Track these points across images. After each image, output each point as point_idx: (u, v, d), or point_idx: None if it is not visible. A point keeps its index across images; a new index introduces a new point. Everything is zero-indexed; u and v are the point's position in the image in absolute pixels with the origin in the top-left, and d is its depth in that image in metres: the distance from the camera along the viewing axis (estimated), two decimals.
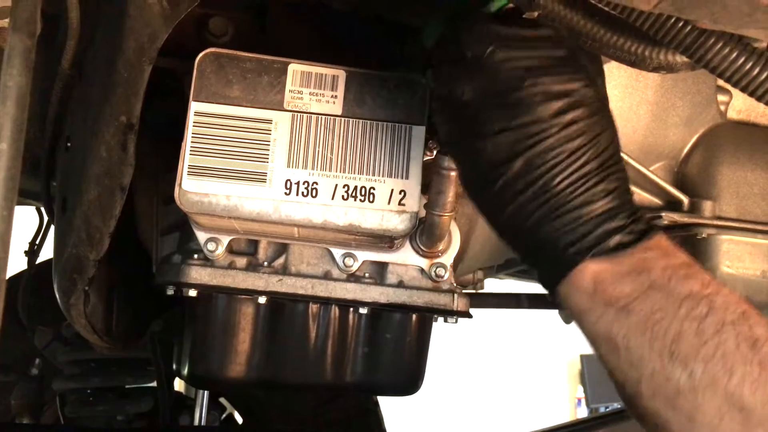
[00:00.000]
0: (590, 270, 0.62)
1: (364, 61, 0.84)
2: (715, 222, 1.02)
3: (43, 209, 1.50)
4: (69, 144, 0.89)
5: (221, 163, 0.79)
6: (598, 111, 0.63)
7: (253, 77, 0.80)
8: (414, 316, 0.91)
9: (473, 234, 1.01)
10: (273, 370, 0.89)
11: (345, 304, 0.89)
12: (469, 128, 0.65)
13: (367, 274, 0.89)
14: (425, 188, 0.83)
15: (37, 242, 1.48)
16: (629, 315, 0.60)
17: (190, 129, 0.79)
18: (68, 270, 0.85)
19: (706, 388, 0.56)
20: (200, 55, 0.80)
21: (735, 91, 1.08)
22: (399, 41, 0.89)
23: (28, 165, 0.99)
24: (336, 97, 0.81)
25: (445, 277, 0.90)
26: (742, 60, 0.54)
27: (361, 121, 0.81)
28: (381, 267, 0.90)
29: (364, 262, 0.89)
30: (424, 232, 0.87)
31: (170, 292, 0.87)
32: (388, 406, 1.95)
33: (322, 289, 0.88)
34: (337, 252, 0.88)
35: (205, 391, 1.71)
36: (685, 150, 1.07)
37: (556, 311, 2.01)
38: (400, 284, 0.89)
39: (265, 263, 0.88)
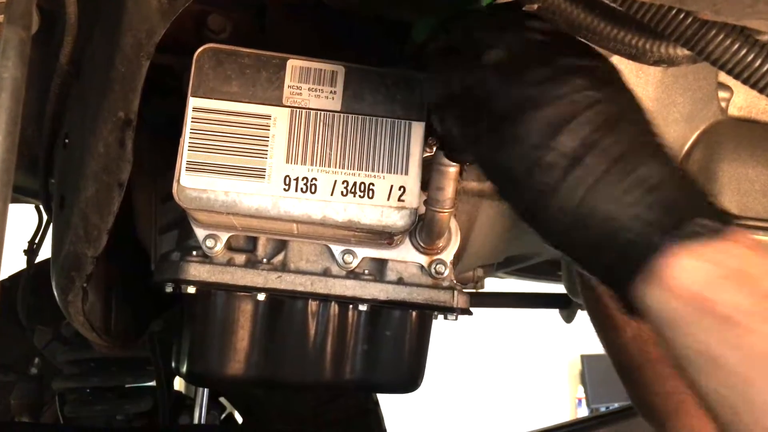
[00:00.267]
0: (684, 263, 0.50)
1: (364, 59, 0.84)
2: None
3: (42, 207, 1.50)
4: (67, 141, 0.89)
5: (220, 159, 0.79)
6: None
7: (251, 73, 0.80)
8: (414, 314, 0.91)
9: (473, 231, 1.00)
10: (272, 367, 0.89)
11: (344, 301, 0.89)
12: (496, 119, 0.59)
13: (366, 271, 0.89)
14: (425, 184, 0.82)
15: (37, 241, 1.48)
16: (749, 335, 0.48)
17: (188, 125, 0.79)
18: (66, 267, 0.85)
19: None
20: (198, 50, 0.80)
21: (736, 88, 1.08)
22: (399, 41, 0.89)
23: (26, 163, 0.99)
24: (335, 92, 0.81)
25: (445, 274, 0.90)
26: (744, 52, 0.53)
27: (360, 116, 0.81)
28: (380, 264, 0.89)
29: (363, 258, 0.88)
30: (423, 229, 0.86)
31: (169, 289, 0.87)
32: (389, 406, 1.94)
33: (322, 286, 0.87)
34: (337, 249, 0.88)
35: (205, 391, 1.71)
36: (686, 147, 1.06)
37: (557, 311, 2.02)
38: (400, 281, 0.89)
39: (264, 260, 0.88)
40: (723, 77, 1.02)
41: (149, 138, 0.89)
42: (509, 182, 0.60)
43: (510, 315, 3.96)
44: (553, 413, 4.83)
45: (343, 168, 0.80)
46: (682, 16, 0.53)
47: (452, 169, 0.80)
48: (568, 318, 1.93)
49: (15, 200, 1.35)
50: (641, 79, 0.98)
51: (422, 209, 0.84)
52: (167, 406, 1.60)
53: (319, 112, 0.80)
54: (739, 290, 0.48)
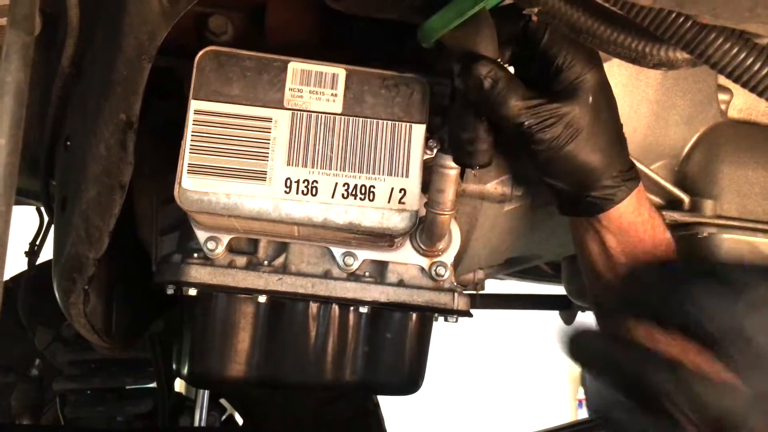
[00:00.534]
0: None
1: (365, 60, 0.84)
2: (716, 221, 1.02)
3: (43, 209, 1.50)
4: (68, 143, 0.89)
5: (221, 162, 0.79)
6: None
7: (252, 75, 0.80)
8: (414, 316, 0.91)
9: (474, 233, 1.00)
10: (273, 369, 0.89)
11: (345, 303, 0.89)
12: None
13: (367, 273, 0.89)
14: (425, 187, 0.83)
15: (38, 243, 1.48)
16: None
17: (189, 127, 0.79)
18: (68, 269, 0.85)
19: None
20: (200, 53, 0.80)
21: (736, 90, 1.08)
22: (400, 41, 0.89)
23: (27, 164, 0.99)
24: (336, 95, 0.81)
25: (446, 276, 0.90)
26: (743, 56, 0.54)
27: (361, 119, 0.81)
28: (381, 266, 0.90)
29: (364, 261, 0.89)
30: (424, 231, 0.87)
31: (170, 291, 0.87)
32: (389, 407, 1.94)
33: (322, 288, 0.87)
34: (337, 251, 0.88)
35: (206, 392, 1.71)
36: (686, 149, 1.06)
37: (557, 312, 2.02)
38: (401, 283, 0.89)
39: (265, 262, 0.88)
40: (723, 80, 1.02)
41: (151, 140, 0.90)
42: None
43: (511, 316, 3.96)
44: (554, 415, 4.83)
45: (344, 170, 0.80)
46: (681, 19, 0.54)
47: (452, 171, 0.80)
48: (569, 320, 1.93)
49: (16, 202, 1.34)
50: (641, 82, 0.98)
51: (423, 211, 0.84)
52: (167, 408, 1.60)
53: (320, 114, 0.81)
54: None
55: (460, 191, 0.91)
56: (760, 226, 1.03)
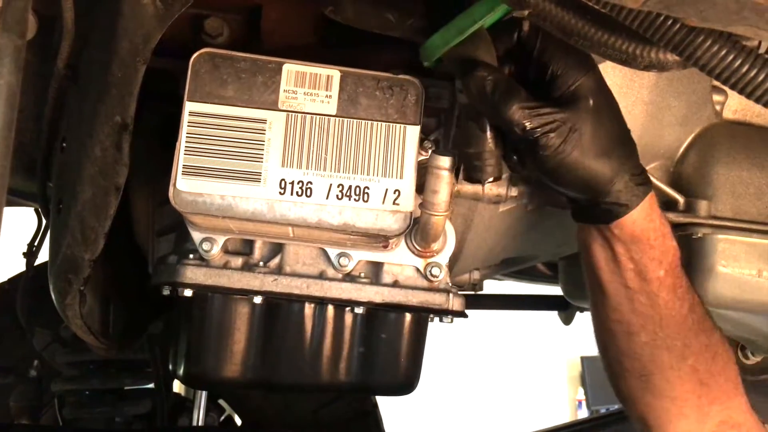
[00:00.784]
0: None
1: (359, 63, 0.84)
2: (711, 222, 1.02)
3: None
4: (65, 145, 0.89)
5: (216, 163, 0.79)
6: None
7: (247, 77, 0.81)
8: (409, 316, 0.91)
9: (469, 234, 1.01)
10: (268, 370, 0.89)
11: (340, 304, 0.89)
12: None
13: (362, 274, 0.89)
14: (420, 188, 0.83)
15: (36, 244, 1.48)
16: None
17: (184, 129, 0.79)
18: (63, 270, 0.86)
19: None
20: (195, 55, 0.80)
21: (730, 91, 1.08)
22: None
23: (24, 166, 0.99)
24: (330, 97, 0.81)
25: (441, 277, 0.90)
26: (731, 57, 0.54)
27: (355, 120, 0.81)
28: (376, 267, 0.90)
29: (359, 261, 0.89)
30: (419, 232, 0.87)
31: (166, 292, 0.88)
32: (388, 407, 1.95)
33: (318, 288, 0.88)
34: (332, 252, 0.88)
35: (204, 393, 1.71)
36: (681, 150, 1.07)
37: (556, 313, 2.02)
38: (396, 284, 0.89)
39: (261, 263, 0.88)
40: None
41: (146, 142, 0.90)
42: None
43: (510, 317, 3.97)
44: (553, 415, 4.83)
45: (339, 172, 0.81)
46: (670, 22, 0.54)
47: (447, 172, 0.80)
48: (567, 320, 1.94)
49: (14, 203, 1.35)
50: (636, 84, 0.99)
51: (418, 212, 0.85)
52: (166, 409, 1.61)
53: (314, 116, 0.81)
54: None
55: (455, 192, 0.91)
56: (754, 226, 1.03)
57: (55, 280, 0.89)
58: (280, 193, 0.80)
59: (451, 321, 0.91)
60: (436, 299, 0.89)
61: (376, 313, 0.90)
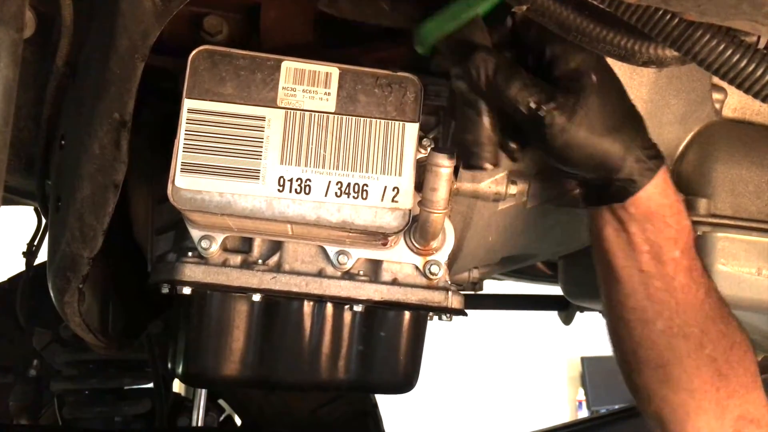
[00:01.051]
0: None
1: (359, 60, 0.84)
2: (710, 220, 1.02)
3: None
4: (63, 142, 0.89)
5: (214, 160, 0.79)
6: None
7: (246, 74, 0.81)
8: (408, 314, 0.91)
9: (468, 232, 1.01)
10: (267, 367, 0.89)
11: (339, 302, 0.89)
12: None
13: (361, 272, 0.89)
14: (419, 185, 0.83)
15: (36, 243, 1.48)
16: None
17: (183, 126, 0.79)
18: (62, 268, 0.86)
19: None
20: (194, 52, 0.80)
21: (730, 89, 1.08)
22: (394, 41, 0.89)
23: (23, 164, 0.99)
24: (329, 94, 0.81)
25: (440, 275, 0.90)
26: (729, 52, 0.54)
27: (354, 118, 0.81)
28: (375, 264, 0.90)
29: (358, 259, 0.89)
30: (418, 230, 0.87)
31: (165, 290, 0.88)
32: (388, 407, 1.94)
33: (316, 286, 0.88)
34: (331, 249, 0.88)
35: (203, 393, 1.71)
36: (680, 148, 1.06)
37: (556, 313, 2.02)
38: (395, 282, 0.89)
39: (260, 261, 0.88)
40: (717, 79, 1.02)
41: (145, 139, 0.90)
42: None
43: (510, 317, 3.97)
44: (553, 416, 4.83)
45: (337, 169, 0.81)
46: (668, 17, 0.54)
47: (446, 170, 0.80)
48: (567, 320, 1.94)
49: (13, 202, 1.35)
50: (635, 81, 0.98)
51: (416, 210, 0.85)
52: (165, 408, 1.61)
53: (313, 113, 0.81)
54: None
55: (454, 190, 0.91)
56: (754, 224, 1.03)
57: (53, 277, 0.89)
58: (278, 190, 0.80)
59: (450, 319, 0.91)
60: (435, 297, 0.89)
61: (375, 311, 0.90)
